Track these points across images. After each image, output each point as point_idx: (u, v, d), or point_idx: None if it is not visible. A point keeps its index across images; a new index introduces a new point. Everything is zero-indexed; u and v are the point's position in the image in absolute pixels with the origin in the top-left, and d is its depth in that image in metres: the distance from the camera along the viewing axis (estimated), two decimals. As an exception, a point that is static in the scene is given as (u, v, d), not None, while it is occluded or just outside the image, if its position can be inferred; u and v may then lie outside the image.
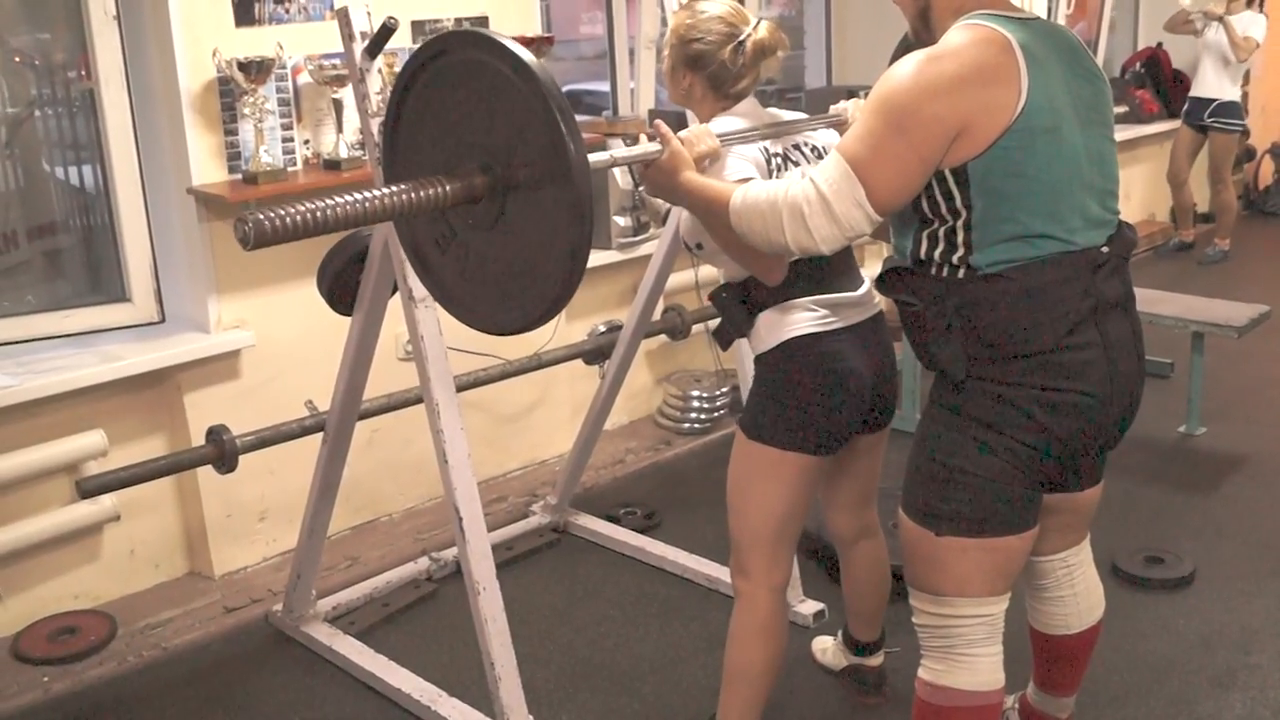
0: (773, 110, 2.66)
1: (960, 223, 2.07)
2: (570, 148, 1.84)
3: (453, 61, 2.02)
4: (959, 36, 2.05)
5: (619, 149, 2.26)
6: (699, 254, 2.61)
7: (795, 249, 2.10)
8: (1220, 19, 7.18)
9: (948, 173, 2.04)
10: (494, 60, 1.93)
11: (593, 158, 2.03)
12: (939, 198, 2.08)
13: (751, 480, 2.57)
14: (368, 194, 1.91)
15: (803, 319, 2.49)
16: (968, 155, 2.01)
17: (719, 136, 2.38)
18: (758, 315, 2.53)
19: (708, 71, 2.54)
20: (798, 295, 2.49)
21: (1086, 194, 2.10)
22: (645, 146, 2.29)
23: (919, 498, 2.22)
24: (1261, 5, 7.33)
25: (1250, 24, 7.22)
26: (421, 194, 1.95)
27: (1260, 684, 3.05)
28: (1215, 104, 7.36)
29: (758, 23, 2.56)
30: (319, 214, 1.84)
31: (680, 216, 2.60)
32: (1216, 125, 7.40)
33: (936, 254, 2.12)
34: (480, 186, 1.98)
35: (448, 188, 1.97)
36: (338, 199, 1.88)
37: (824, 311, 2.50)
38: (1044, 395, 2.09)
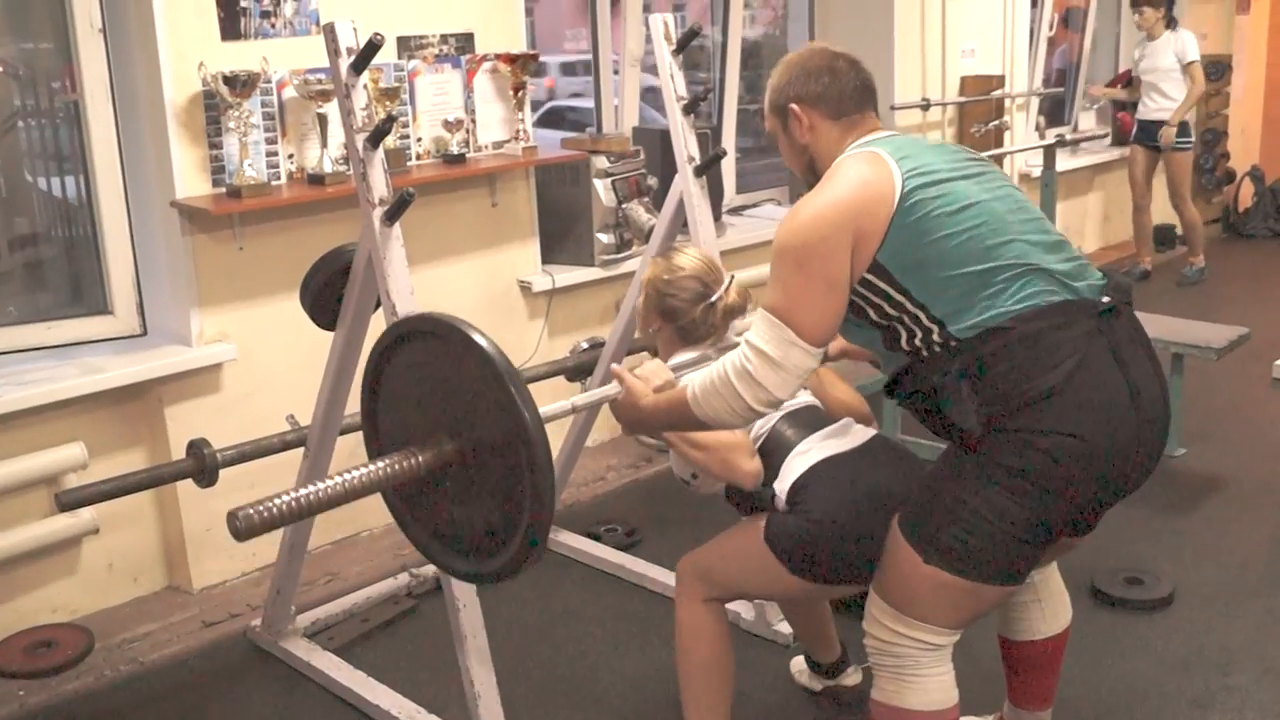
0: (730, 338, 2.73)
1: (913, 307, 2.15)
2: (528, 422, 1.98)
3: (421, 342, 2.17)
4: (830, 170, 2.25)
5: (579, 395, 2.38)
6: (694, 485, 2.68)
7: (758, 406, 2.19)
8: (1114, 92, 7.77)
9: (868, 276, 2.15)
10: (456, 343, 2.07)
11: (551, 409, 2.19)
12: (877, 301, 2.18)
13: (751, 567, 2.53)
14: (348, 475, 2.05)
15: (805, 460, 2.50)
16: (871, 251, 2.14)
17: (674, 367, 2.48)
18: (771, 489, 2.53)
19: (678, 325, 2.71)
20: (791, 447, 2.53)
21: (1015, 225, 2.19)
22: (605, 390, 2.42)
23: (921, 520, 2.23)
24: (1174, 24, 7.28)
25: (1186, 48, 7.16)
26: (397, 468, 2.09)
27: (1239, 705, 3.06)
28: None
29: (729, 283, 2.73)
30: (304, 500, 1.98)
31: (670, 454, 2.67)
32: (1174, 145, 7.31)
33: (918, 343, 2.17)
34: (450, 454, 2.11)
35: (420, 459, 2.11)
36: (320, 484, 2.01)
37: (824, 443, 2.52)
38: (1069, 442, 2.08)
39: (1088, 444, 2.09)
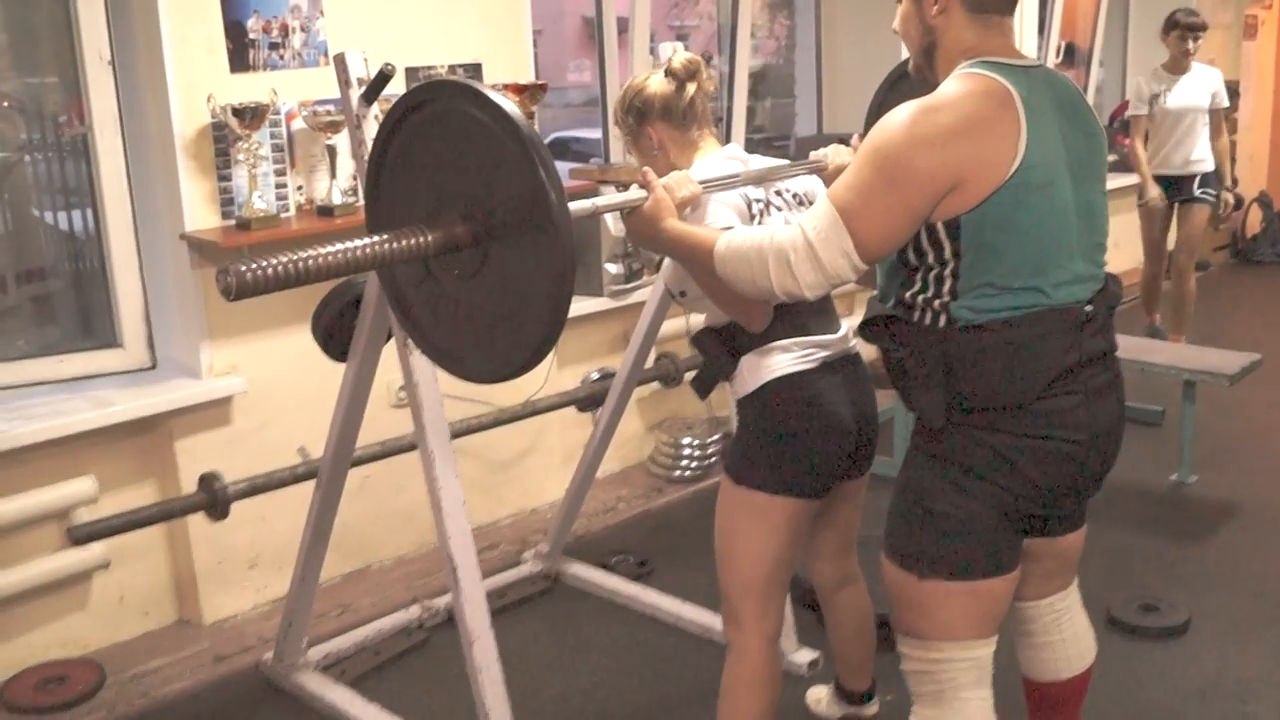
0: (755, 156, 2.69)
1: (948, 270, 2.08)
2: (552, 197, 1.87)
3: (436, 111, 2.06)
4: (958, 86, 2.05)
5: (602, 198, 2.28)
6: (682, 301, 2.65)
7: (780, 293, 2.12)
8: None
9: (939, 224, 2.04)
10: (476, 110, 1.96)
11: (575, 206, 2.07)
12: (928, 247, 2.08)
13: (738, 527, 2.56)
14: (350, 244, 1.93)
15: (783, 360, 2.51)
16: (962, 208, 2.01)
17: (701, 183, 2.41)
18: (740, 359, 2.54)
19: (658, 112, 2.64)
20: (777, 338, 2.51)
21: (1075, 249, 2.11)
22: (628, 194, 2.31)
23: (901, 542, 2.21)
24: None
25: (1223, 89, 6.29)
26: (403, 243, 1.97)
27: (1258, 734, 3.04)
28: (1204, 174, 6.29)
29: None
30: (300, 264, 1.88)
31: (665, 263, 2.62)
32: (1204, 197, 6.31)
33: (921, 298, 2.12)
34: (462, 235, 2.01)
35: (429, 237, 1.99)
36: (320, 249, 1.91)
37: (803, 351, 2.52)
38: (1024, 442, 2.09)
39: (1042, 445, 2.09)
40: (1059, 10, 6.54)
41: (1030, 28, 6.99)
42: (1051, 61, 7.14)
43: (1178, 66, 6.25)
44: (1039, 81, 2.10)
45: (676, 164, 2.62)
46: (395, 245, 1.96)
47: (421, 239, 1.99)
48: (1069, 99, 2.17)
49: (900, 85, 2.89)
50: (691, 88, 2.63)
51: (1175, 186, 6.29)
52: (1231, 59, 9.04)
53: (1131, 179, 7.42)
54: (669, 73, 2.64)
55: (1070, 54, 8.04)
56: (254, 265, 1.84)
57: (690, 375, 4.39)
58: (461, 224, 2.01)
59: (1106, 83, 8.56)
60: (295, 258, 1.87)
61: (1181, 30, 6.18)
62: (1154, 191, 6.29)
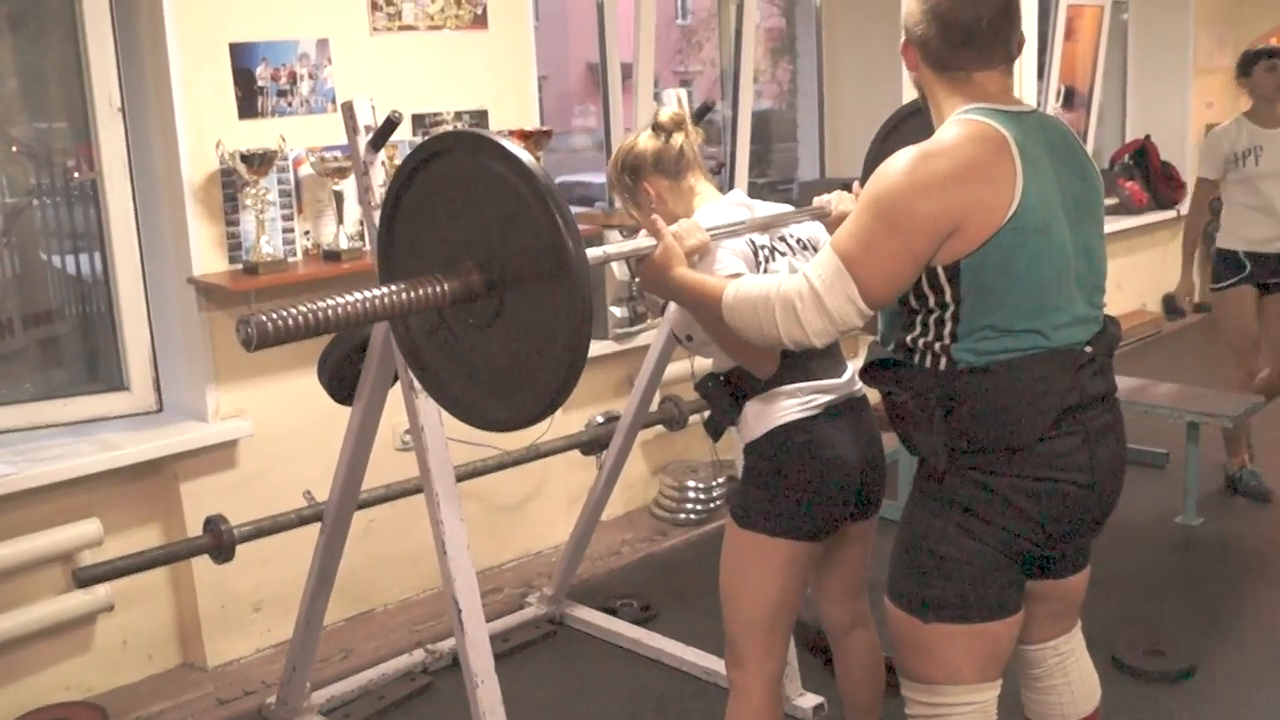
0: (759, 202, 2.73)
1: (949, 314, 2.10)
2: (569, 247, 1.89)
3: (451, 160, 2.08)
4: (955, 132, 2.08)
5: (613, 245, 2.32)
6: (689, 345, 2.67)
7: (788, 342, 2.14)
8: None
9: (940, 268, 2.07)
10: (491, 161, 1.99)
11: (588, 254, 2.07)
12: (928, 291, 2.11)
13: (744, 568, 2.57)
14: (367, 293, 1.95)
15: (789, 405, 2.53)
16: (961, 252, 2.04)
17: (708, 230, 2.44)
18: (744, 404, 2.56)
19: (650, 165, 2.69)
20: (784, 383, 2.53)
21: (1074, 291, 2.14)
22: (638, 242, 2.35)
23: (904, 585, 2.22)
24: None
25: None
26: (419, 293, 1.99)
27: (1265, 779, 3.02)
28: None
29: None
30: (320, 314, 1.89)
31: (671, 308, 2.64)
32: None
33: (922, 341, 2.14)
34: (478, 284, 2.02)
35: (445, 286, 2.01)
36: (338, 299, 1.93)
37: (809, 397, 2.54)
38: (1026, 484, 2.10)
39: (1044, 486, 2.10)
40: (1058, 55, 6.60)
41: (1030, 72, 7.05)
42: (1052, 106, 7.20)
43: (1271, 116, 4.82)
44: (1032, 126, 2.13)
45: (676, 212, 2.65)
46: (413, 294, 1.98)
47: (438, 288, 2.00)
48: (1063, 143, 2.20)
49: (894, 135, 2.93)
50: (679, 138, 2.69)
51: (1265, 266, 4.88)
52: (1230, 100, 9.06)
53: (1134, 221, 7.25)
54: (655, 127, 2.70)
55: (1070, 98, 8.09)
56: (274, 315, 1.85)
57: (695, 418, 4.41)
58: (477, 272, 2.02)
59: (1105, 126, 8.61)
60: (314, 308, 1.89)
61: (1271, 60, 4.80)
62: (1186, 295, 5.15)
